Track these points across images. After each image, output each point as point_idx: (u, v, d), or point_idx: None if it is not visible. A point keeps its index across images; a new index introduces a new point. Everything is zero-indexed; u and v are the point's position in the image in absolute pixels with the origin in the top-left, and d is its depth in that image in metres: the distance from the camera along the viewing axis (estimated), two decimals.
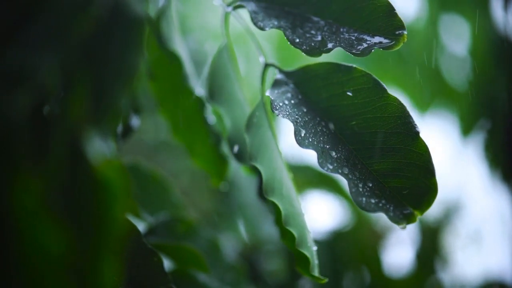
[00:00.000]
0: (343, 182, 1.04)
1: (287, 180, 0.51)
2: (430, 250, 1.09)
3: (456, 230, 1.13)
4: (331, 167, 0.49)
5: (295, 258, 0.50)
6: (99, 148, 0.34)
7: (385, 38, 0.49)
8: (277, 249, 0.93)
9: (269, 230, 0.92)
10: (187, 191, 1.07)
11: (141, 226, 0.64)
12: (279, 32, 0.52)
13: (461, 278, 1.10)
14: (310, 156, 1.02)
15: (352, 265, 0.99)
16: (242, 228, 0.98)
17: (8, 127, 0.30)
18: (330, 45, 0.50)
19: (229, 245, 0.85)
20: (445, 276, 1.10)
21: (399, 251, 1.09)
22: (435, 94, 1.22)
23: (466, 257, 1.14)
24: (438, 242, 1.10)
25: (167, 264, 0.60)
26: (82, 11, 0.33)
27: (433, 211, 1.14)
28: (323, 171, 1.05)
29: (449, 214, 1.12)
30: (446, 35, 1.21)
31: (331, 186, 1.01)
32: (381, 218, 1.11)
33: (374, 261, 1.03)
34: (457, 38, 1.22)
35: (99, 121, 0.34)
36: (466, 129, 1.19)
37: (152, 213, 0.68)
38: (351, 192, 0.49)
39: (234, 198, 0.97)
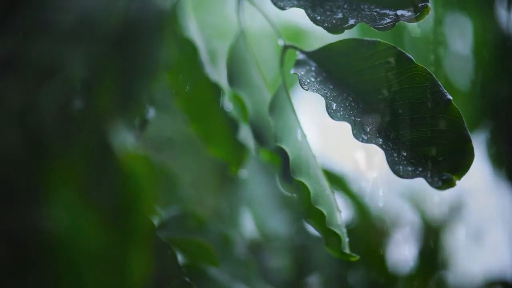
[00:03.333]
0: (348, 180, 1.04)
1: (313, 160, 0.51)
2: (433, 248, 1.09)
3: (459, 229, 1.13)
4: (365, 137, 0.49)
5: (324, 238, 0.50)
6: (124, 140, 0.34)
7: (408, 11, 0.48)
8: (283, 246, 0.93)
9: (275, 226, 0.92)
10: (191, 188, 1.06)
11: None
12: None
13: (464, 276, 1.11)
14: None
15: (356, 262, 1.00)
16: (246, 225, 0.98)
17: (39, 119, 0.30)
18: (352, 21, 0.50)
19: (240, 240, 0.85)
20: (448, 274, 1.10)
21: (403, 248, 1.09)
22: None
23: (468, 255, 1.14)
24: (441, 241, 1.10)
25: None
26: (110, 5, 0.34)
27: (436, 209, 1.14)
28: (327, 168, 1.05)
29: (452, 213, 1.13)
30: (450, 34, 1.21)
31: (337, 184, 1.02)
32: (384, 217, 1.12)
33: (378, 258, 1.03)
34: (460, 38, 1.22)
35: (125, 113, 0.34)
36: (469, 129, 1.19)
37: (162, 206, 0.69)
38: (387, 161, 0.48)
39: (238, 195, 0.97)
